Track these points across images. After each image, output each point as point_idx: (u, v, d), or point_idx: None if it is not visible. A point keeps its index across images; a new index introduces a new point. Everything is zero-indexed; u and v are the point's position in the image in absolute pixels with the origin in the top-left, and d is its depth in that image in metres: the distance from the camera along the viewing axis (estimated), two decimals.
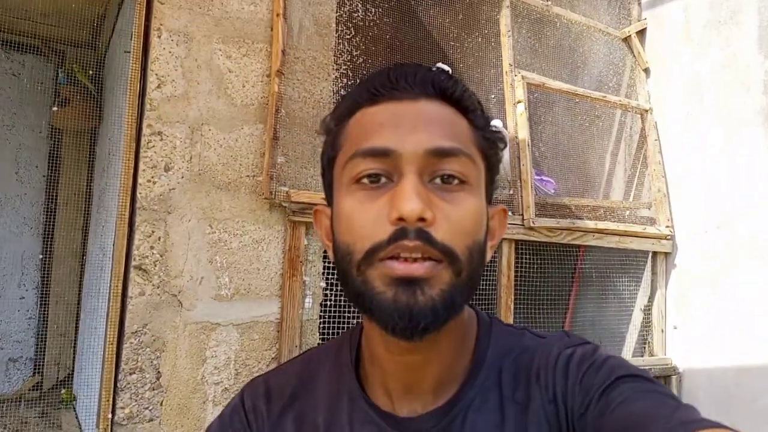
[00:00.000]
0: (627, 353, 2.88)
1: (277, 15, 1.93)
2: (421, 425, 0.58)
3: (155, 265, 1.72)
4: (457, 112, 0.58)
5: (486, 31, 2.41)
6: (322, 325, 1.97)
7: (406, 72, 0.57)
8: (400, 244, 0.50)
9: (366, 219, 0.53)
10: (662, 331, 2.81)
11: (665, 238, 2.76)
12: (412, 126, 0.54)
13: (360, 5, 2.10)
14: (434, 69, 0.59)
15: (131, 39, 1.81)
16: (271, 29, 1.96)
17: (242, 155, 1.88)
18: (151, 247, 1.72)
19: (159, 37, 1.78)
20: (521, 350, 0.61)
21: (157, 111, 1.76)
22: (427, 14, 2.29)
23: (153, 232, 1.73)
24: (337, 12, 2.07)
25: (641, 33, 2.98)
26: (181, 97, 1.80)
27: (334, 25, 2.06)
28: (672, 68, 2.84)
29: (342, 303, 2.02)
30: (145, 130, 1.75)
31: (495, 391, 0.58)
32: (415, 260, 0.51)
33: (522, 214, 2.34)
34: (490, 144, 0.60)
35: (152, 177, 1.74)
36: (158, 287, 1.72)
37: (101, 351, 1.75)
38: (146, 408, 1.67)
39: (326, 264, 1.98)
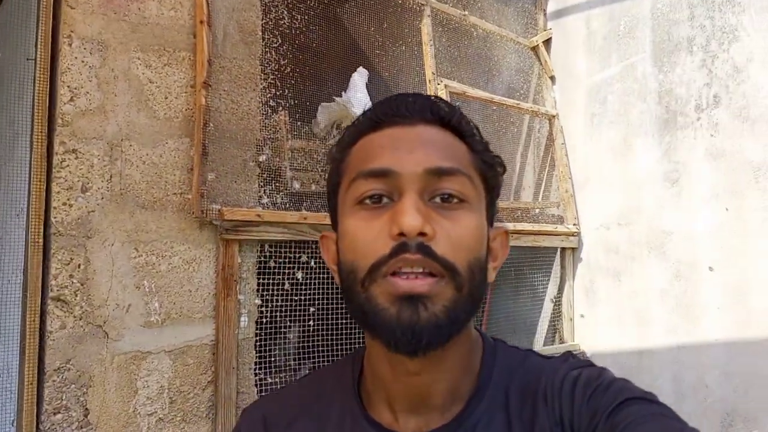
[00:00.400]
0: (539, 341, 3.08)
1: (201, 22, 1.83)
2: None
3: (76, 295, 1.59)
4: (456, 136, 0.60)
5: (409, 40, 2.44)
6: (258, 344, 1.92)
7: (406, 100, 0.60)
8: (402, 257, 0.51)
9: (368, 236, 0.54)
10: (571, 319, 3.02)
11: (572, 235, 2.97)
12: (411, 147, 0.56)
13: (286, 12, 2.04)
14: (433, 97, 0.61)
15: (36, 46, 1.64)
16: (194, 36, 1.85)
17: (168, 172, 1.77)
18: (71, 276, 1.58)
19: (70, 45, 1.63)
20: (527, 371, 0.62)
21: (71, 126, 1.62)
22: (352, 23, 2.27)
23: (72, 259, 1.59)
24: (262, 19, 1.99)
25: (547, 42, 3.15)
26: (97, 110, 1.66)
27: (260, 33, 1.99)
28: (576, 76, 3.03)
29: (278, 319, 1.98)
30: (58, 148, 1.59)
31: (502, 411, 0.59)
32: (417, 276, 0.52)
33: None
34: (488, 167, 0.62)
35: (68, 199, 1.60)
36: (81, 319, 1.59)
37: (15, 394, 1.59)
38: None
39: (260, 281, 1.93)
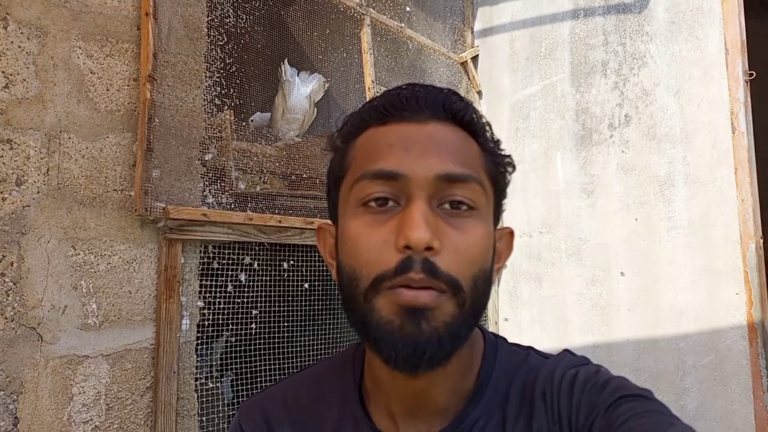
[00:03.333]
0: None
1: (147, 14, 1.77)
2: None
3: (8, 295, 1.47)
4: (468, 135, 0.57)
5: (350, 47, 2.49)
6: (199, 347, 1.86)
7: (417, 93, 0.56)
8: (407, 276, 0.50)
9: (372, 244, 0.52)
10: (496, 323, 3.18)
11: None
12: (422, 149, 0.53)
13: (231, 11, 2.02)
14: (446, 90, 0.58)
15: None
16: (138, 29, 1.79)
17: (108, 167, 1.69)
18: (2, 274, 1.47)
19: (5, 28, 1.53)
20: (526, 370, 0.61)
21: (6, 115, 1.51)
22: (296, 26, 2.28)
23: (4, 256, 1.47)
24: (208, 16, 1.96)
25: (475, 59, 3.32)
26: (34, 99, 1.57)
27: (205, 30, 1.95)
28: (501, 92, 3.22)
29: (220, 322, 1.93)
30: None
31: (499, 411, 0.59)
32: (421, 287, 0.50)
33: None
34: (498, 168, 0.60)
35: (1, 192, 1.49)
36: (12, 320, 1.47)
37: None
38: None
39: (203, 282, 1.88)
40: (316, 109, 2.40)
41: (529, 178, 3.05)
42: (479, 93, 3.29)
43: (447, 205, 0.53)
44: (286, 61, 2.31)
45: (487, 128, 0.60)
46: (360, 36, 2.55)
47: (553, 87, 2.99)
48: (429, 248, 0.50)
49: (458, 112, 0.56)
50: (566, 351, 0.65)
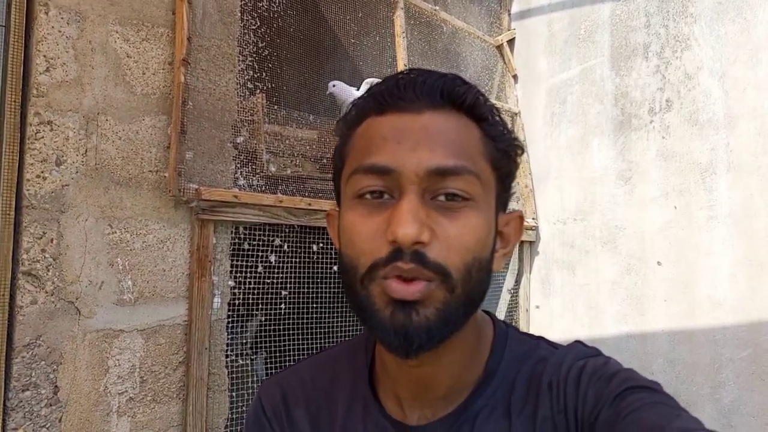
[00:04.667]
0: None
1: None
2: None
3: (48, 270, 1.54)
4: (469, 121, 0.56)
5: (383, 31, 2.48)
6: (230, 325, 1.92)
7: (414, 79, 0.55)
8: (395, 265, 0.51)
9: (366, 234, 0.53)
10: (527, 310, 3.15)
11: (531, 229, 3.09)
12: (415, 142, 0.53)
13: None
14: (448, 75, 0.57)
15: (8, 12, 1.58)
16: (173, 13, 1.83)
17: (144, 149, 1.75)
18: (43, 250, 1.54)
19: (46, 13, 1.58)
20: (535, 360, 0.61)
21: (47, 98, 1.57)
22: (328, 10, 2.29)
23: (44, 233, 1.55)
24: (241, 0, 1.99)
25: (511, 42, 3.26)
26: (73, 82, 1.62)
27: (238, 14, 1.98)
28: (537, 76, 3.16)
29: (250, 301, 1.98)
30: (32, 119, 1.55)
31: (504, 401, 0.59)
32: (411, 280, 0.51)
33: None
34: (502, 153, 0.58)
35: (42, 172, 1.55)
36: (52, 294, 1.55)
37: None
38: (43, 426, 1.50)
39: (234, 262, 1.93)
40: None
41: (565, 164, 3.00)
42: (515, 77, 3.23)
43: (442, 197, 0.53)
44: (333, 84, 2.23)
45: (491, 113, 0.58)
46: (393, 19, 2.53)
47: (592, 71, 2.91)
48: (418, 242, 0.51)
49: (458, 98, 0.55)
50: (577, 342, 0.65)
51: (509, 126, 0.59)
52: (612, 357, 0.60)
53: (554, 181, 3.04)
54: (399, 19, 2.53)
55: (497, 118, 0.59)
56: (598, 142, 2.87)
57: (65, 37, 1.61)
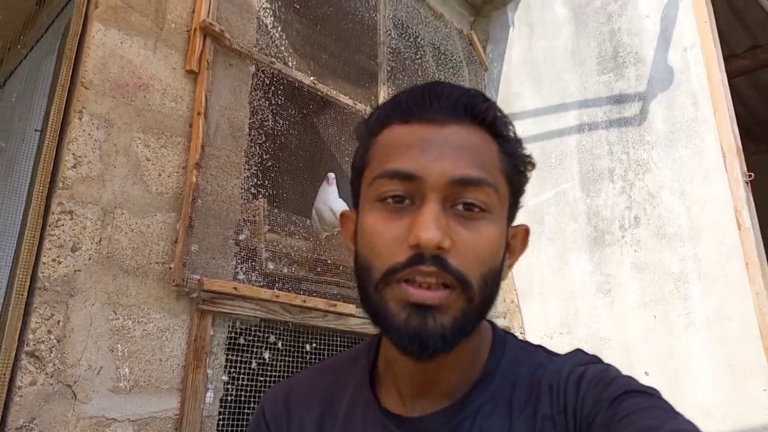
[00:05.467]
0: None
1: (198, 114, 2.04)
2: (429, 425, 0.60)
3: (51, 352, 1.57)
4: (488, 136, 0.59)
5: None
6: (220, 422, 1.89)
7: (440, 92, 0.58)
8: (417, 269, 0.53)
9: (387, 238, 0.55)
10: None
11: None
12: (438, 152, 0.55)
13: (270, 116, 2.30)
14: (472, 92, 0.59)
15: (47, 118, 1.78)
16: (190, 126, 2.05)
17: (153, 241, 1.86)
18: (49, 332, 1.58)
19: (80, 119, 1.79)
20: (534, 365, 0.62)
21: (71, 190, 1.71)
22: (326, 132, 2.56)
23: (52, 315, 1.60)
24: (250, 119, 2.24)
25: None
26: (96, 178, 1.78)
27: (247, 130, 2.22)
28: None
29: (242, 399, 1.97)
30: (55, 208, 1.68)
31: (506, 400, 0.60)
32: (429, 287, 0.53)
33: None
34: (516, 169, 0.61)
35: (57, 256, 1.65)
36: (52, 376, 1.56)
37: None
38: None
39: (229, 356, 1.95)
40: None
41: (547, 279, 3.13)
42: None
43: (460, 207, 0.55)
44: (332, 177, 2.46)
45: (509, 130, 0.61)
46: None
47: (565, 193, 3.18)
48: (440, 247, 0.52)
49: (480, 114, 0.58)
50: (579, 350, 0.66)
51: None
52: (612, 365, 0.61)
53: (538, 296, 3.16)
54: None
55: (513, 134, 0.62)
56: (576, 257, 3.04)
57: (93, 139, 1.80)
